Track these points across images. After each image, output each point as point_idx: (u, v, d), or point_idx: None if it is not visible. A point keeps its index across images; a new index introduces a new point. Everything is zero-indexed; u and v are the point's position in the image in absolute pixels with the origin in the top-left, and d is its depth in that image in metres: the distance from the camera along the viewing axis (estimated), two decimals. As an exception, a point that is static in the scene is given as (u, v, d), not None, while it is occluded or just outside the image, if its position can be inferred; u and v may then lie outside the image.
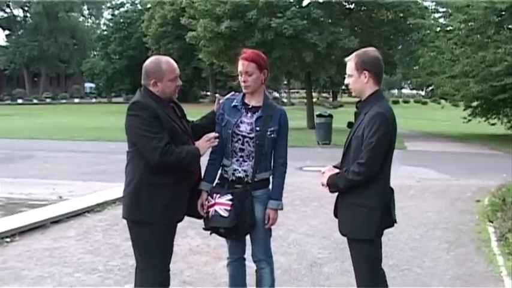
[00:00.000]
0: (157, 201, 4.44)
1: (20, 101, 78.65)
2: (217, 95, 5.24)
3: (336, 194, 4.59)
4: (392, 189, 4.53)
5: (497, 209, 9.52)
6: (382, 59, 4.51)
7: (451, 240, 8.47)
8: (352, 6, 34.45)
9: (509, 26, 25.87)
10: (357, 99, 4.62)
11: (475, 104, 28.60)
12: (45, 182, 13.13)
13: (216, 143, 4.68)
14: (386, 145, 4.32)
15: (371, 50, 4.50)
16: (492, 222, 9.16)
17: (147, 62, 4.59)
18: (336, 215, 4.64)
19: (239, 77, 4.77)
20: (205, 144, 4.63)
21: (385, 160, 4.36)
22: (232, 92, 5.03)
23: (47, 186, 12.30)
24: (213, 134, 4.69)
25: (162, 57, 4.62)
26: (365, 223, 4.37)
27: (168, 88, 4.52)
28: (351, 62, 4.48)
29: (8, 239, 8.02)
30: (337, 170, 4.52)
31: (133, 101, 4.51)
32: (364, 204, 4.35)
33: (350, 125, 4.62)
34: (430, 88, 39.89)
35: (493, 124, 28.42)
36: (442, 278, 6.75)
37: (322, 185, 4.56)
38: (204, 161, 4.74)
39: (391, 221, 4.51)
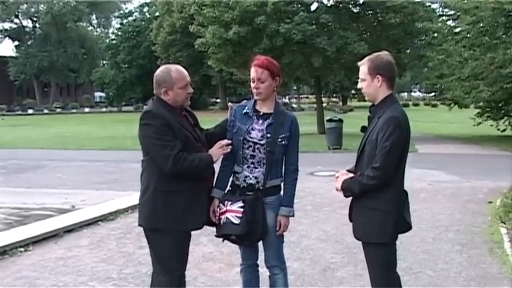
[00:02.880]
0: (173, 208, 4.49)
1: (30, 111, 79.02)
2: (229, 103, 5.26)
3: (350, 198, 4.60)
4: (406, 193, 4.53)
5: (510, 210, 9.50)
6: (394, 63, 4.52)
7: (464, 242, 8.46)
8: (360, 10, 34.41)
9: (518, 27, 25.76)
10: (367, 104, 4.64)
11: (483, 104, 28.47)
12: (58, 191, 13.20)
13: (228, 150, 4.71)
14: (400, 149, 4.32)
15: (384, 54, 4.51)
16: (505, 223, 9.15)
17: (158, 71, 4.64)
18: (350, 219, 4.65)
19: (251, 83, 4.77)
20: (218, 151, 4.66)
21: (400, 164, 4.37)
22: (245, 100, 5.04)
23: (60, 196, 12.37)
24: (225, 141, 4.72)
25: (172, 66, 4.67)
26: (381, 226, 4.38)
27: (179, 96, 4.57)
28: (363, 66, 4.49)
29: (22, 249, 8.07)
30: (351, 175, 4.53)
31: (146, 110, 4.58)
32: (380, 208, 4.35)
33: (363, 129, 4.63)
34: (440, 91, 39.69)
35: (503, 130, 28.28)
36: (455, 280, 6.74)
37: (337, 189, 4.57)
38: (216, 167, 4.77)
39: (406, 225, 4.52)
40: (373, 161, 4.30)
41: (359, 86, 4.58)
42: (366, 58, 4.53)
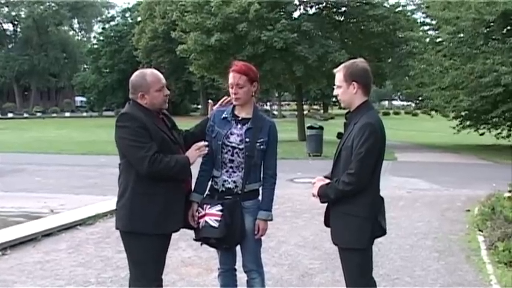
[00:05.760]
0: (150, 211, 4.47)
1: (10, 115, 78.33)
2: (210, 101, 5.28)
3: (326, 204, 4.63)
4: (382, 198, 4.57)
5: (487, 218, 9.58)
6: (370, 70, 4.55)
7: (441, 249, 8.53)
8: (342, 18, 34.56)
9: (498, 37, 25.99)
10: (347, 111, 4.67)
11: (463, 113, 28.69)
12: (37, 195, 13.10)
13: (206, 151, 4.70)
14: (375, 155, 4.35)
15: (359, 61, 4.54)
16: (482, 231, 9.22)
17: (133, 76, 4.64)
18: (326, 225, 4.67)
19: (230, 89, 4.79)
20: (195, 153, 4.65)
21: (375, 170, 4.40)
22: (226, 97, 5.06)
23: (38, 200, 12.28)
24: (202, 143, 4.72)
25: (147, 70, 4.67)
26: (357, 232, 4.39)
27: (156, 99, 4.57)
28: (339, 73, 4.51)
29: (0, 252, 8.03)
30: (327, 180, 4.54)
31: (122, 112, 4.57)
32: (356, 213, 4.37)
33: (340, 135, 4.66)
34: (420, 99, 39.95)
35: (481, 134, 28.52)
36: (432, 286, 6.79)
37: (313, 195, 4.59)
38: (194, 172, 4.78)
39: (381, 230, 4.54)
40: (349, 167, 4.33)
41: (335, 92, 4.59)
42: (342, 65, 4.55)
